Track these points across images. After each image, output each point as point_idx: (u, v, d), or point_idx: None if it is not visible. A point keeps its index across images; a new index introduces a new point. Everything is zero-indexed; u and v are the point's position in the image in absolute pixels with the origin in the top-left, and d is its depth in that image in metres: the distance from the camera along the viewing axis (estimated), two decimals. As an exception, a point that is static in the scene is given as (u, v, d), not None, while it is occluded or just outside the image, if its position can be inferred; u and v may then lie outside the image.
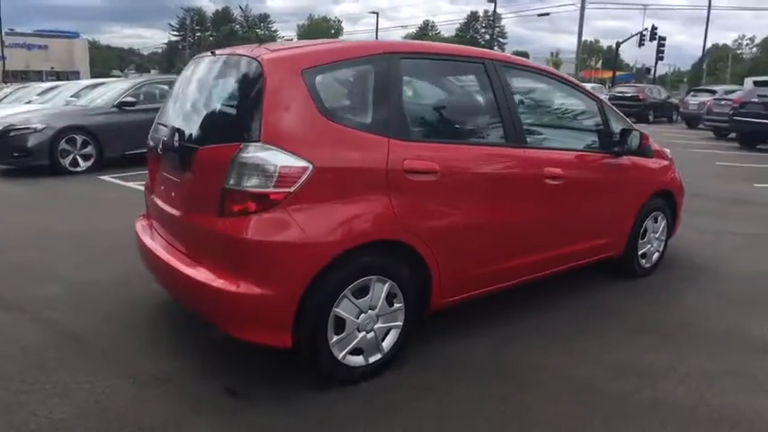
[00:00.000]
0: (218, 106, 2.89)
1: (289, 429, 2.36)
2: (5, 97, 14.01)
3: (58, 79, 26.19)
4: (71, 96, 10.19)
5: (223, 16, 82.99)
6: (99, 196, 7.13)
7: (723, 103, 15.97)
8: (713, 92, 19.19)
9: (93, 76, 32.49)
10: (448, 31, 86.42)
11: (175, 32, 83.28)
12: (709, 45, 47.47)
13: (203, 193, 2.61)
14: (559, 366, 2.88)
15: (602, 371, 2.85)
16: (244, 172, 2.39)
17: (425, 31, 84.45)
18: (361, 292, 2.61)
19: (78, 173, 8.35)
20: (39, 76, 34.57)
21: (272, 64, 2.53)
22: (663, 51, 35.25)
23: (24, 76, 34.04)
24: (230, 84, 2.82)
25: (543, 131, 3.63)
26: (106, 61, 72.73)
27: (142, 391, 2.58)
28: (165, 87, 9.60)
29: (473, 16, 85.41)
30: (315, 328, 2.48)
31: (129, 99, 8.92)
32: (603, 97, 4.66)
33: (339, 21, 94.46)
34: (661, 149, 4.35)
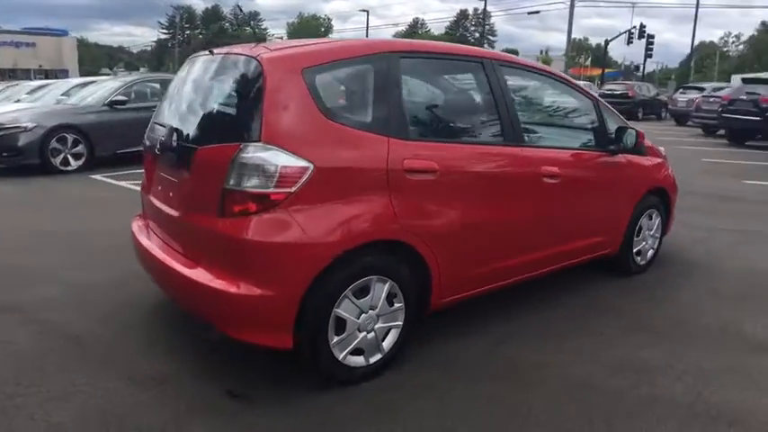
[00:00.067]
0: (217, 106, 2.86)
1: (290, 431, 2.35)
2: (-6, 96, 13.83)
3: (47, 77, 25.93)
4: (61, 95, 10.08)
5: (213, 14, 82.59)
6: (91, 196, 7.05)
7: (712, 100, 16.13)
8: (702, 89, 19.40)
9: (82, 75, 32.14)
10: (438, 28, 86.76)
11: (165, 30, 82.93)
12: (696, 42, 47.74)
13: (203, 193, 2.59)
14: (557, 364, 2.90)
15: (599, 368, 2.87)
16: (244, 172, 2.38)
17: (415, 29, 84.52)
18: (362, 292, 2.60)
19: (69, 172, 8.28)
20: (27, 74, 34.08)
21: (271, 63, 2.51)
22: (651, 49, 35.53)
23: (12, 75, 33.57)
24: (229, 83, 2.80)
25: (541, 130, 3.65)
26: (95, 59, 72.03)
27: (140, 392, 2.57)
28: (157, 86, 9.56)
29: (463, 14, 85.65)
30: (316, 328, 2.48)
31: (120, 98, 8.86)
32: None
33: (329, 19, 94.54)
34: (655, 147, 4.39)
